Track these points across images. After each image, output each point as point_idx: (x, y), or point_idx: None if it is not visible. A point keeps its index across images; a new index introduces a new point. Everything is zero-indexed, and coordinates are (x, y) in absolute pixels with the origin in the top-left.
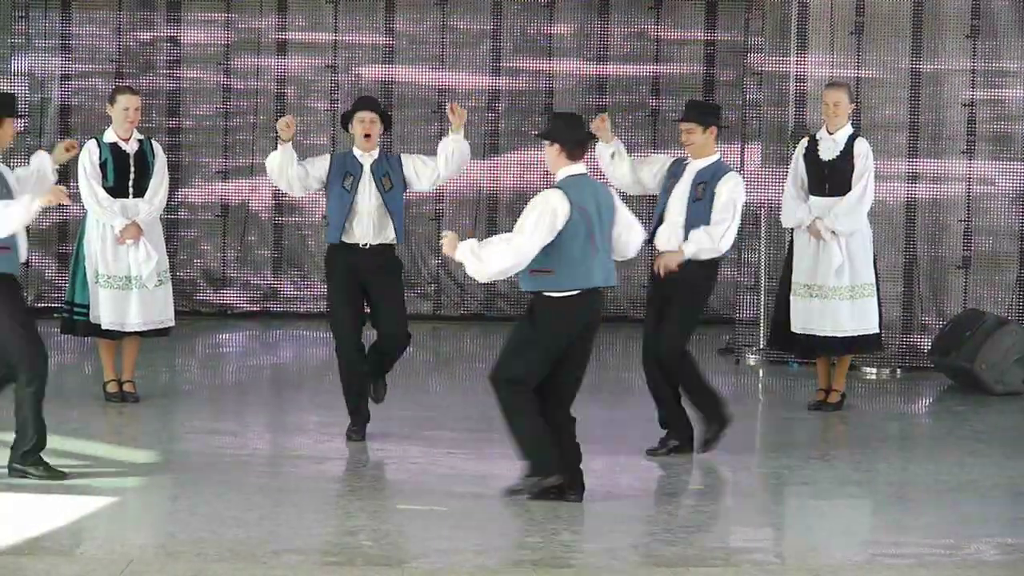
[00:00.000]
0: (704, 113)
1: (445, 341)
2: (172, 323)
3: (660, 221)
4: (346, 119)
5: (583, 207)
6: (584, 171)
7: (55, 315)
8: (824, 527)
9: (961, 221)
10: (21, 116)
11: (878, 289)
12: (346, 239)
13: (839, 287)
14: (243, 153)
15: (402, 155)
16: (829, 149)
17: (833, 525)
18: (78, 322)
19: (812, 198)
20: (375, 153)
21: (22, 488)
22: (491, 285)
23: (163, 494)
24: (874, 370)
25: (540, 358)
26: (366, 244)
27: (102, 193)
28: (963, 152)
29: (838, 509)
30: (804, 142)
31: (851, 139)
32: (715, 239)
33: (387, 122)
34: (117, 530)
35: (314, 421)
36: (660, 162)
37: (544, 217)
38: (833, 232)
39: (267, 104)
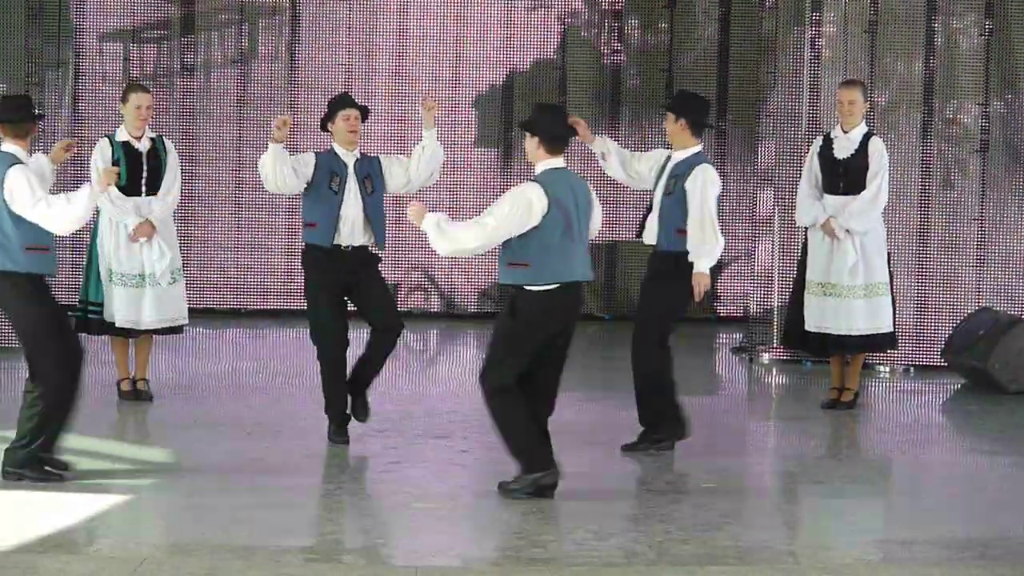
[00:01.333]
0: (679, 104)
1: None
2: (186, 320)
3: (649, 211)
4: (326, 118)
5: (561, 201)
6: (563, 164)
7: (69, 313)
8: (837, 526)
9: (974, 220)
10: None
11: (892, 287)
12: (334, 241)
13: (853, 286)
14: (259, 150)
15: (381, 157)
16: (844, 148)
17: (846, 523)
18: (92, 320)
19: (826, 197)
20: (356, 152)
21: (37, 487)
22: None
23: (176, 492)
24: (887, 369)
25: (522, 353)
26: (348, 247)
27: (115, 191)
28: (976, 151)
29: (851, 508)
30: (819, 140)
31: (866, 138)
32: (707, 243)
33: (365, 115)
34: (130, 528)
35: (326, 420)
36: (655, 157)
37: (517, 209)
38: (847, 231)
39: (282, 98)
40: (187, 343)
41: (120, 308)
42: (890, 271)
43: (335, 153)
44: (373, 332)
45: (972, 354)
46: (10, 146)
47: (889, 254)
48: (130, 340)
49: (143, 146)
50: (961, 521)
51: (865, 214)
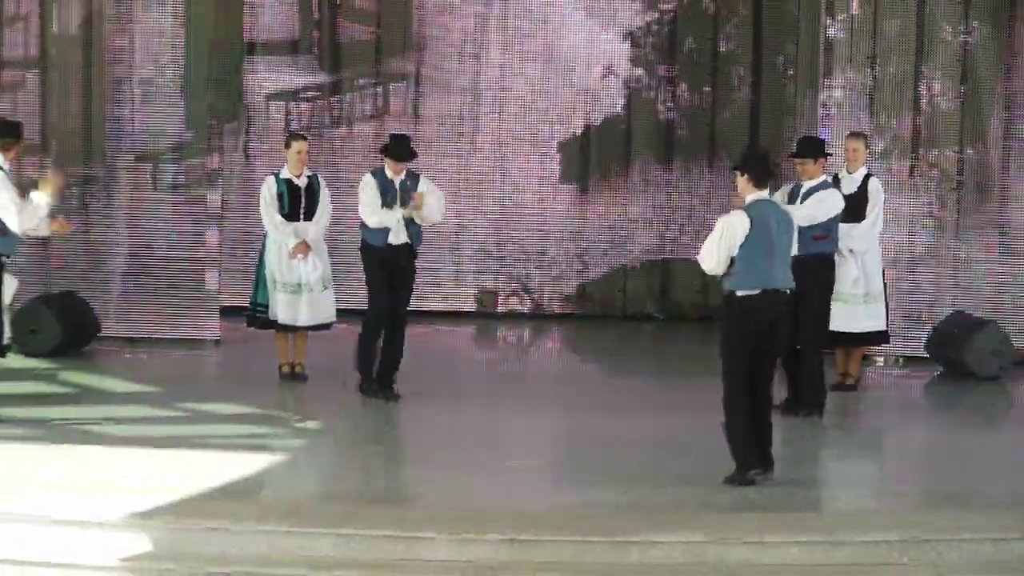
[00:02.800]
0: (815, 149)
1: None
2: (334, 319)
3: None
4: (384, 150)
5: (764, 223)
6: (767, 196)
7: (243, 313)
8: (843, 481)
9: (951, 241)
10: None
11: (886, 294)
12: (386, 242)
13: (855, 294)
14: None
15: (422, 177)
16: (848, 185)
17: (850, 479)
18: (260, 318)
19: None
20: (402, 174)
21: (215, 447)
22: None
23: (326, 452)
24: (882, 359)
25: (740, 351)
26: (397, 244)
27: (278, 218)
28: (953, 190)
29: (853, 468)
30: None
31: (866, 178)
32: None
33: (413, 157)
34: (289, 480)
35: (445, 393)
36: (782, 192)
37: (722, 231)
38: (851, 251)
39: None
40: (336, 336)
41: (282, 310)
42: (884, 282)
43: (385, 174)
44: (387, 321)
45: (950, 347)
46: None
47: (884, 268)
48: (289, 336)
49: (302, 182)
50: (941, 479)
51: (865, 237)
